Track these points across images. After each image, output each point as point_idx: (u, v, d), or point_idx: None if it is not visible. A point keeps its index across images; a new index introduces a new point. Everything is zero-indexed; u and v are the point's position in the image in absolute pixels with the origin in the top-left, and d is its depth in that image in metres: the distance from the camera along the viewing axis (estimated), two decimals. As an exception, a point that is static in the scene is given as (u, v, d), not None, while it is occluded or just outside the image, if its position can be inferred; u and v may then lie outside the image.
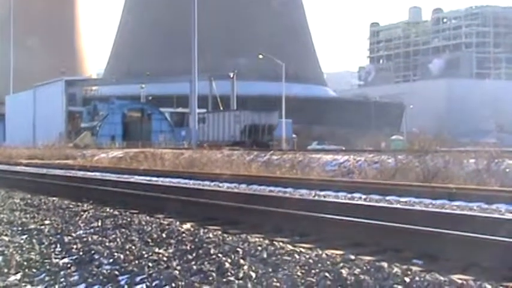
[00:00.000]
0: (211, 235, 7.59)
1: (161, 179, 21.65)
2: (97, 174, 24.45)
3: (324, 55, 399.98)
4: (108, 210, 10.75)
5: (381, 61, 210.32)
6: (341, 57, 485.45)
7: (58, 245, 7.69)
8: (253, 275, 5.57)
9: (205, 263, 6.13)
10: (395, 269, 5.50)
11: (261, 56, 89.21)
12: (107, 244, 7.42)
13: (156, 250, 6.87)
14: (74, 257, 7.00)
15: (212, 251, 6.60)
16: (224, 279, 5.50)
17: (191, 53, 60.56)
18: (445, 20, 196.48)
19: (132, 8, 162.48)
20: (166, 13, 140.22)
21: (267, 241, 7.17)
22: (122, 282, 5.93)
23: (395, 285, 5.10)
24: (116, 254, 6.82)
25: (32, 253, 7.33)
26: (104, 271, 6.26)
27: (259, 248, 6.67)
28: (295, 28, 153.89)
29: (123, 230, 8.46)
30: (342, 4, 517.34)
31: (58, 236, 8.27)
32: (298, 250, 6.54)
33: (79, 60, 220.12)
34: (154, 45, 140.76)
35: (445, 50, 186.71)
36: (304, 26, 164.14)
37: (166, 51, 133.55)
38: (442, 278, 5.17)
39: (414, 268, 5.71)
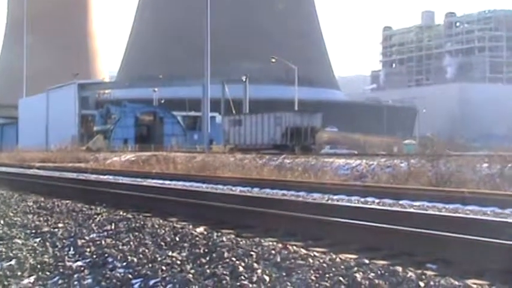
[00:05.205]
0: (224, 239, 7.57)
1: (174, 182, 21.66)
2: (110, 178, 24.49)
3: (336, 59, 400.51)
4: (121, 213, 10.74)
5: (394, 65, 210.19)
6: (354, 61, 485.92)
7: (71, 248, 7.68)
8: (267, 278, 5.55)
9: (219, 266, 6.11)
10: (410, 274, 5.47)
11: (273, 60, 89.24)
12: (120, 247, 7.41)
13: (170, 253, 6.86)
14: (88, 260, 6.99)
15: (226, 255, 6.58)
16: (238, 283, 5.48)
17: (204, 56, 60.66)
18: (458, 24, 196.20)
19: (145, 11, 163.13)
20: (179, 17, 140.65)
21: (280, 245, 7.15)
22: (136, 286, 5.93)
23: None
24: (129, 257, 6.81)
25: (46, 256, 7.32)
26: (118, 274, 6.25)
27: (273, 251, 6.65)
28: (308, 32, 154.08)
29: (137, 233, 8.45)
30: (355, 8, 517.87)
31: (71, 239, 8.26)
32: (312, 254, 6.51)
33: (92, 62, 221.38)
34: (167, 49, 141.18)
35: (458, 54, 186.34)
36: (316, 30, 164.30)
37: (178, 55, 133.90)
38: (456, 283, 5.14)
39: (428, 272, 5.68)
